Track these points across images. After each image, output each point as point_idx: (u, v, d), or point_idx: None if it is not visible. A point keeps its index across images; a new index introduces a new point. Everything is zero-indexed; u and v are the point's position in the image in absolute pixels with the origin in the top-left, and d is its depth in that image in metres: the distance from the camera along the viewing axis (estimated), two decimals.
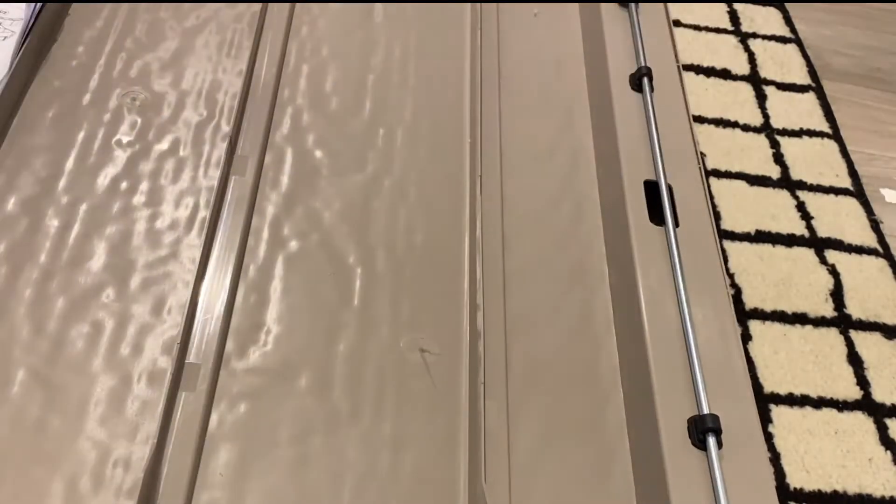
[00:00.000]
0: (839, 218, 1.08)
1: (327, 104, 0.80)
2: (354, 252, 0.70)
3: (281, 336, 0.65)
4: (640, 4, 0.88)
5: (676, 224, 0.71)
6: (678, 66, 0.83)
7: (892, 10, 1.46)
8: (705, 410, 0.60)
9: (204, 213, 0.70)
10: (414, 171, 0.77)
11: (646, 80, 0.79)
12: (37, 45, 0.77)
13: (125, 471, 0.57)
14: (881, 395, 0.89)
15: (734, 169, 1.10)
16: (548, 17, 0.91)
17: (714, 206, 1.03)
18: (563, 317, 0.70)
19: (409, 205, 0.74)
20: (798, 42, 1.33)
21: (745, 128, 1.16)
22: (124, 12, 0.83)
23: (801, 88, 1.25)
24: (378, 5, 0.88)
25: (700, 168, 0.75)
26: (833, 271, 1.00)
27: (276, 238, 0.70)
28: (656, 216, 0.71)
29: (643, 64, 0.81)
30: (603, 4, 0.88)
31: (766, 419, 0.75)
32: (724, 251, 0.97)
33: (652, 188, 0.73)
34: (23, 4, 0.77)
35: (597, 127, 0.82)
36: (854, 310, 0.95)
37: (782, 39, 1.33)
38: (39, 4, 0.77)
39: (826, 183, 1.11)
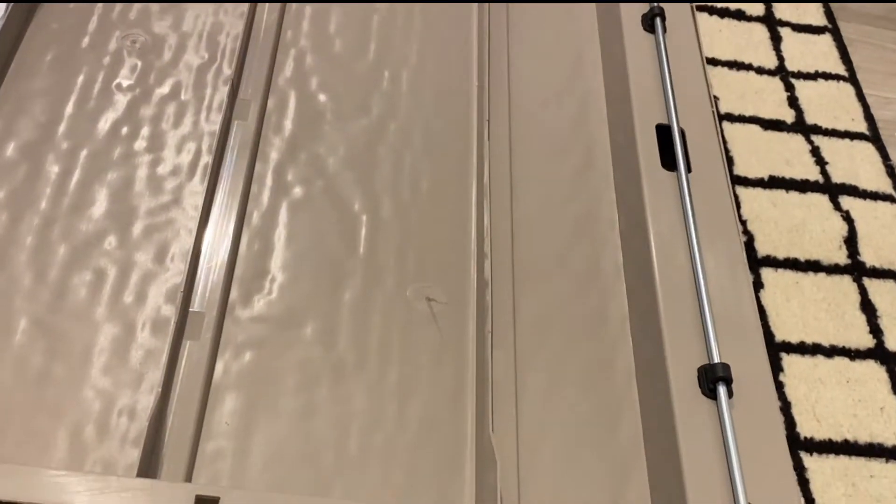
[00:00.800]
0: (854, 163, 1.05)
1: (331, 46, 0.78)
2: (359, 199, 0.69)
3: (285, 284, 0.64)
4: None
5: (689, 169, 0.69)
6: (692, 7, 0.80)
7: None
8: (716, 359, 0.59)
9: (206, 159, 0.69)
10: (420, 115, 0.75)
11: (658, 20, 0.77)
12: None
13: (130, 420, 0.56)
14: (894, 343, 0.87)
15: (748, 113, 1.06)
16: None
17: (727, 152, 1.01)
18: (572, 265, 0.68)
19: (415, 150, 0.73)
20: None
21: (760, 70, 1.12)
22: None
23: (817, 30, 1.20)
24: None
25: (713, 112, 0.73)
26: (847, 217, 0.97)
27: (279, 184, 0.69)
28: (668, 161, 0.70)
29: (655, 3, 0.78)
30: None
31: (777, 368, 0.74)
32: (736, 197, 0.95)
33: (664, 132, 0.71)
34: None
35: (607, 69, 0.80)
36: (868, 257, 0.93)
37: None
38: None
39: (841, 127, 1.08)
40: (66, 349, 0.58)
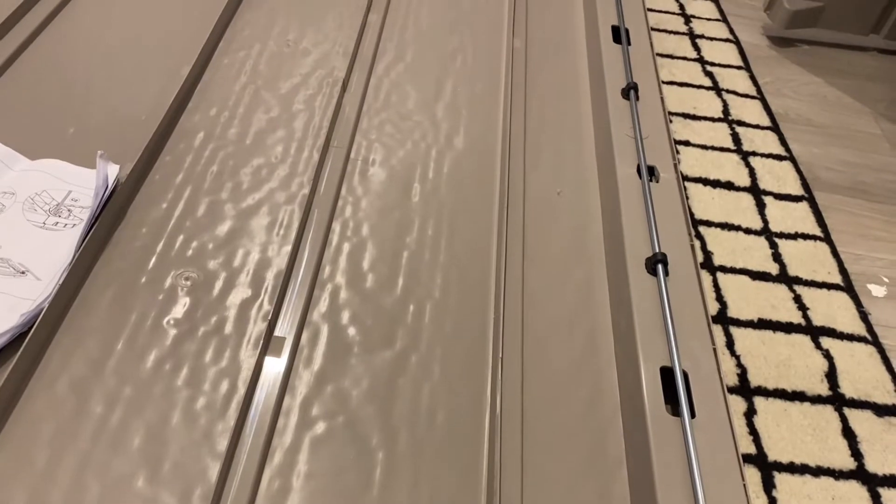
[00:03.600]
0: (832, 309, 1.06)
1: (363, 281, 0.70)
2: (377, 434, 0.60)
3: None
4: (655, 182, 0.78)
5: (693, 415, 0.59)
6: (692, 247, 0.72)
7: (872, 133, 1.50)
8: None
9: (240, 393, 0.61)
10: (439, 346, 0.66)
11: (661, 266, 0.68)
12: (103, 231, 0.70)
13: None
14: (874, 466, 0.85)
15: (738, 265, 1.09)
16: (570, 194, 0.82)
17: (721, 298, 1.02)
18: (580, 499, 0.58)
19: (434, 381, 0.64)
20: (792, 159, 1.34)
21: (748, 231, 1.15)
22: (188, 193, 0.76)
23: (796, 198, 1.26)
24: (416, 184, 0.80)
25: (714, 351, 0.64)
26: (827, 355, 0.99)
27: (304, 420, 0.60)
28: (670, 402, 0.60)
29: (658, 250, 0.70)
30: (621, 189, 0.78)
31: (769, 485, 0.69)
32: (730, 336, 0.95)
33: (668, 376, 0.62)
34: (92, 192, 0.70)
35: (615, 305, 0.71)
36: (847, 389, 0.96)
37: (778, 157, 1.34)
38: (107, 193, 0.70)
39: (819, 279, 1.10)
40: None
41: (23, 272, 0.65)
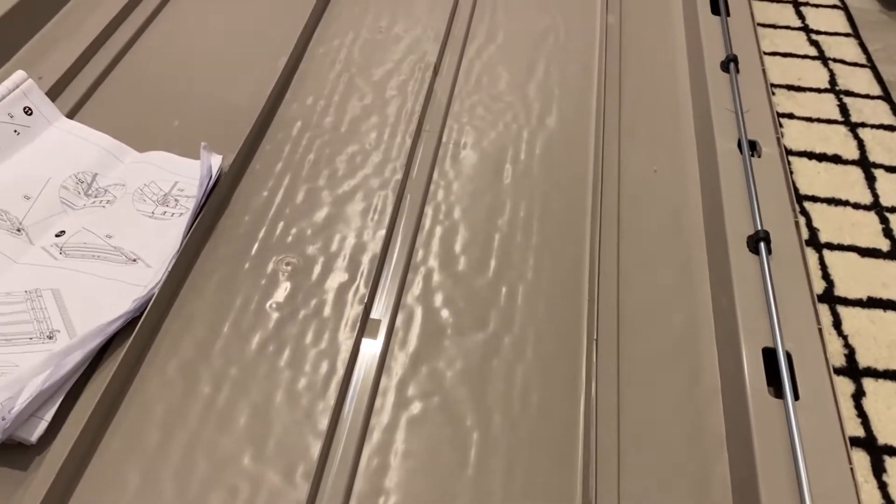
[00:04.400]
0: None
1: (455, 264, 0.71)
2: (471, 415, 0.60)
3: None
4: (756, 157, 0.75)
5: (797, 397, 0.57)
6: (796, 224, 0.68)
7: None
8: None
9: (339, 373, 0.62)
10: (532, 328, 0.66)
11: (763, 243, 0.66)
12: (208, 220, 0.72)
13: None
14: None
15: (846, 242, 1.01)
16: (667, 172, 0.79)
17: (827, 276, 0.95)
18: (678, 485, 0.57)
19: (527, 363, 0.64)
20: None
21: (856, 206, 1.06)
22: (287, 181, 0.78)
23: None
24: (508, 166, 0.79)
25: (819, 331, 0.61)
26: None
27: (401, 399, 0.61)
28: (773, 384, 0.58)
29: (760, 227, 0.67)
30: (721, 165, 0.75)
31: (880, 469, 0.65)
32: (837, 316, 0.88)
33: (771, 357, 0.59)
34: (197, 182, 0.72)
35: (715, 284, 0.69)
36: None
37: (890, 128, 1.23)
38: (211, 183, 0.73)
39: None
40: None
41: (134, 260, 0.68)
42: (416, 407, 0.61)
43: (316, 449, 0.57)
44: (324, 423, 0.59)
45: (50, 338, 0.61)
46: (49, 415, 0.56)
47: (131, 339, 0.61)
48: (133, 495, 0.54)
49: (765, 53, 1.06)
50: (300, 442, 0.58)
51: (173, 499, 0.54)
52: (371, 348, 0.64)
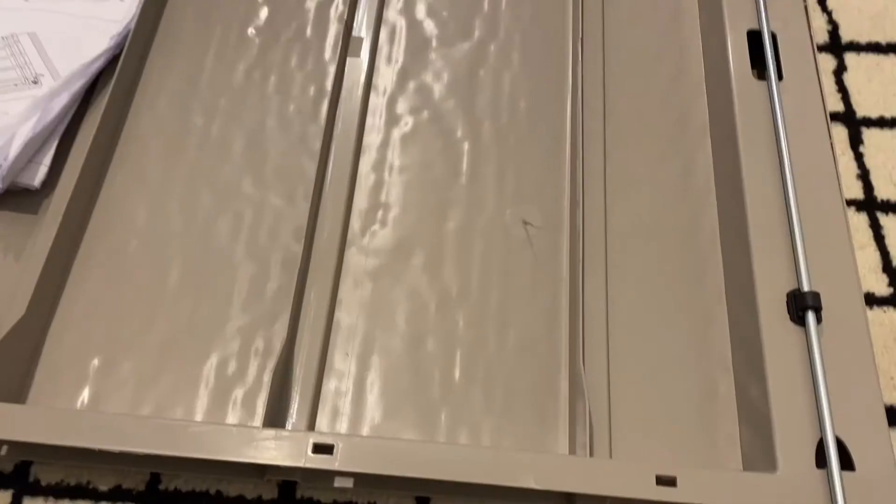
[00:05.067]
0: None
1: None
2: (462, 126, 0.61)
3: (397, 216, 0.57)
4: None
5: (780, 77, 0.56)
6: None
7: None
8: (805, 288, 0.49)
9: (328, 95, 0.62)
10: (518, 33, 0.64)
11: None
12: None
13: (265, 357, 0.52)
14: None
15: None
16: None
17: None
18: (664, 181, 0.58)
19: (514, 70, 0.63)
20: None
21: None
22: None
23: None
24: None
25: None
26: None
27: (391, 116, 0.61)
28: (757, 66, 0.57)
29: None
30: None
31: (857, 140, 0.65)
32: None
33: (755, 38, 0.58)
34: None
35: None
36: None
37: None
38: None
39: None
40: (211, 288, 0.54)
41: None
42: (406, 122, 0.61)
43: (312, 170, 0.58)
44: (317, 144, 0.59)
45: (35, 83, 0.60)
46: (47, 159, 0.57)
47: (115, 77, 0.60)
48: (143, 228, 0.56)
49: None
50: (297, 165, 0.59)
51: (183, 229, 0.57)
52: (356, 67, 0.63)
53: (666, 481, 0.43)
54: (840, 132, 0.65)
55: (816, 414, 0.45)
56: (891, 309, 0.57)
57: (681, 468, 0.43)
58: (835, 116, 0.65)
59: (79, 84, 0.59)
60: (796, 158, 0.53)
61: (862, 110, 0.66)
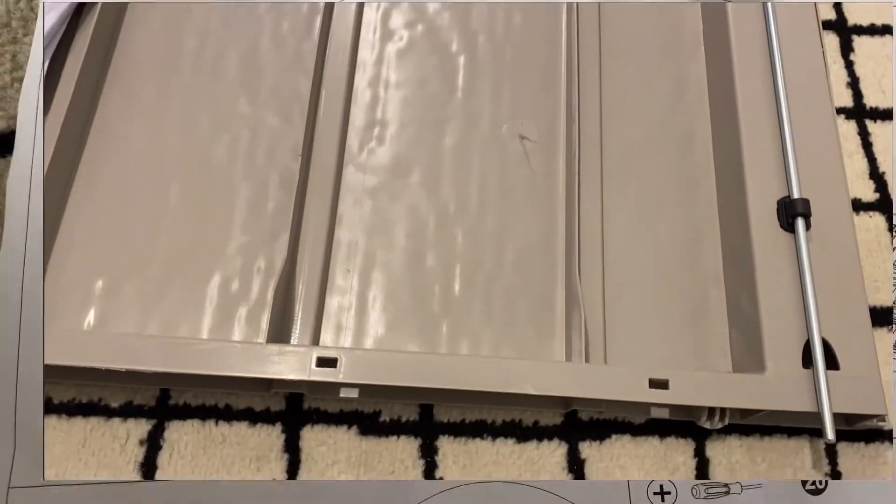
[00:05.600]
0: None
1: None
2: (457, 40, 0.60)
3: (394, 133, 0.58)
4: None
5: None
6: None
7: None
8: (796, 195, 0.49)
9: (320, 12, 0.61)
10: None
11: None
12: None
13: (267, 276, 0.53)
14: None
15: None
16: None
17: None
18: (658, 94, 0.58)
19: None
20: None
21: None
22: None
23: None
24: None
25: None
26: None
27: (385, 32, 0.61)
28: None
29: None
30: None
31: (848, 48, 0.64)
32: None
33: None
34: None
35: None
36: None
37: None
38: None
39: None
40: (211, 209, 0.55)
41: None
42: (401, 36, 0.61)
43: (307, 88, 0.58)
44: (311, 62, 0.59)
45: None
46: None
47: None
48: (141, 151, 0.56)
49: None
50: (291, 83, 0.59)
51: (181, 150, 0.56)
52: None
53: (658, 384, 0.45)
54: (832, 40, 0.64)
55: (804, 317, 0.47)
56: (876, 214, 0.58)
57: (672, 371, 0.45)
58: (827, 24, 0.64)
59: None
60: (789, 68, 0.53)
61: (853, 18, 0.66)
